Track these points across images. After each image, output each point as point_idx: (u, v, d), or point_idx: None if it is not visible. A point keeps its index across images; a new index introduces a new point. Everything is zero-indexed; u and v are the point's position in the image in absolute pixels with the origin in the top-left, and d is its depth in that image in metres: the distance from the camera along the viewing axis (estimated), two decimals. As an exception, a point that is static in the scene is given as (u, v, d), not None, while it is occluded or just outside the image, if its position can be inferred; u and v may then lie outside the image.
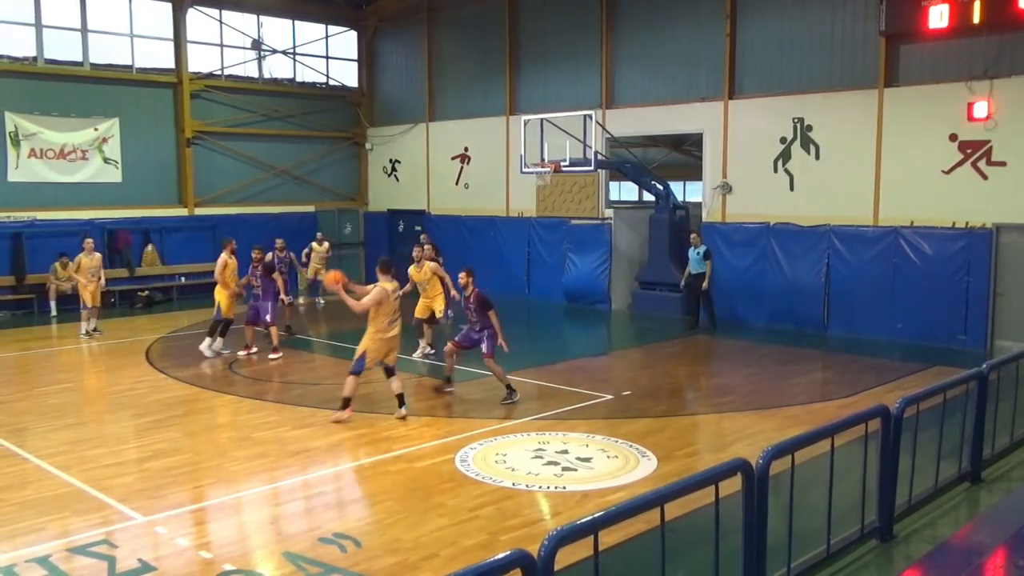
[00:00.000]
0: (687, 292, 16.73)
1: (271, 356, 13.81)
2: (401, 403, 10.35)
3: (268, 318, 13.95)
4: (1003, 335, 14.36)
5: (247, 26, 23.17)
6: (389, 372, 10.49)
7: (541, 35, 20.87)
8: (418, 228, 23.90)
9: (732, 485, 4.74)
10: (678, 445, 9.39)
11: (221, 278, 13.99)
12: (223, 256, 14.16)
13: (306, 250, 19.72)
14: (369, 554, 6.52)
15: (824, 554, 5.59)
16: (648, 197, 20.54)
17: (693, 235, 16.62)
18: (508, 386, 11.24)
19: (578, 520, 3.89)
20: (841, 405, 10.76)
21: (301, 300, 19.90)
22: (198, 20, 22.20)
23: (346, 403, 10.23)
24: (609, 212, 19.83)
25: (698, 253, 16.24)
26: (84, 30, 20.30)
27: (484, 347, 11.23)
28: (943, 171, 14.81)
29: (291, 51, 23.99)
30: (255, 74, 23.52)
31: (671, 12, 18.43)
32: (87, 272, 15.90)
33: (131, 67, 21.09)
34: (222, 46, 22.77)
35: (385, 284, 10.32)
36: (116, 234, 20.49)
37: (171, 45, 21.69)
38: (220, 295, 14.02)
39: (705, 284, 16.11)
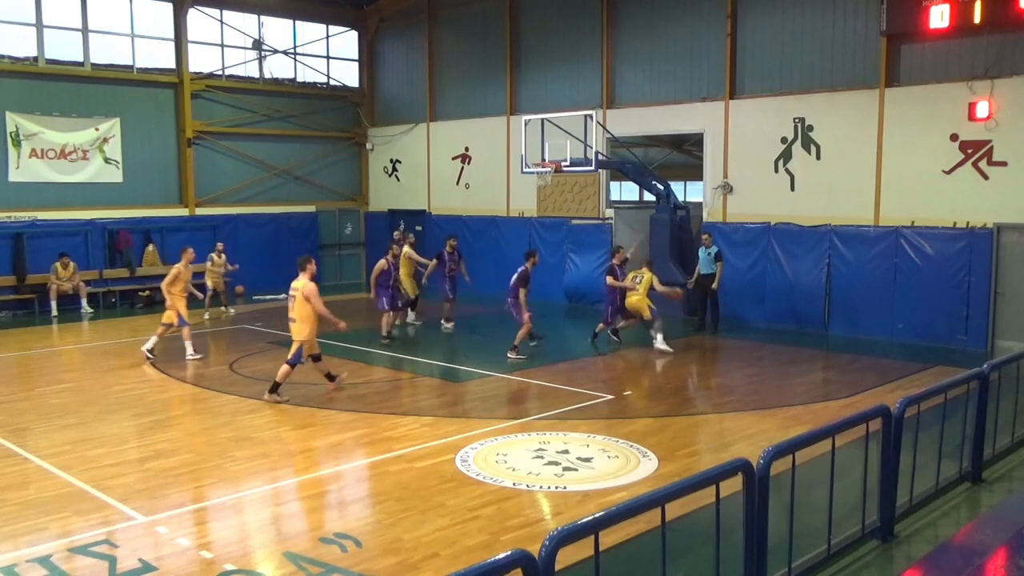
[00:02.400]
0: (696, 292, 16.68)
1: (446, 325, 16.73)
2: (332, 378, 11.71)
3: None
4: (1004, 335, 14.35)
5: (248, 26, 23.18)
6: (317, 359, 11.64)
7: (542, 35, 20.87)
8: (418, 228, 23.93)
9: (733, 485, 4.74)
10: (679, 445, 9.39)
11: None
12: (408, 250, 17.01)
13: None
14: (370, 554, 6.53)
15: (825, 554, 5.59)
16: (649, 197, 20.52)
17: (705, 236, 16.47)
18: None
19: (579, 520, 3.89)
20: (842, 405, 10.77)
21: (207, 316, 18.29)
22: (199, 20, 22.22)
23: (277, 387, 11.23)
24: (610, 212, 19.83)
25: (709, 253, 16.12)
26: (85, 30, 20.31)
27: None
28: (944, 171, 14.80)
29: (292, 51, 24.00)
30: (256, 74, 23.52)
31: (672, 12, 18.43)
32: (186, 281, 14.03)
33: (132, 67, 21.11)
34: (223, 46, 22.77)
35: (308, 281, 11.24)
36: (117, 234, 20.49)
37: (172, 45, 21.70)
38: (406, 280, 16.96)
39: (715, 285, 16.03)
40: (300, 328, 11.16)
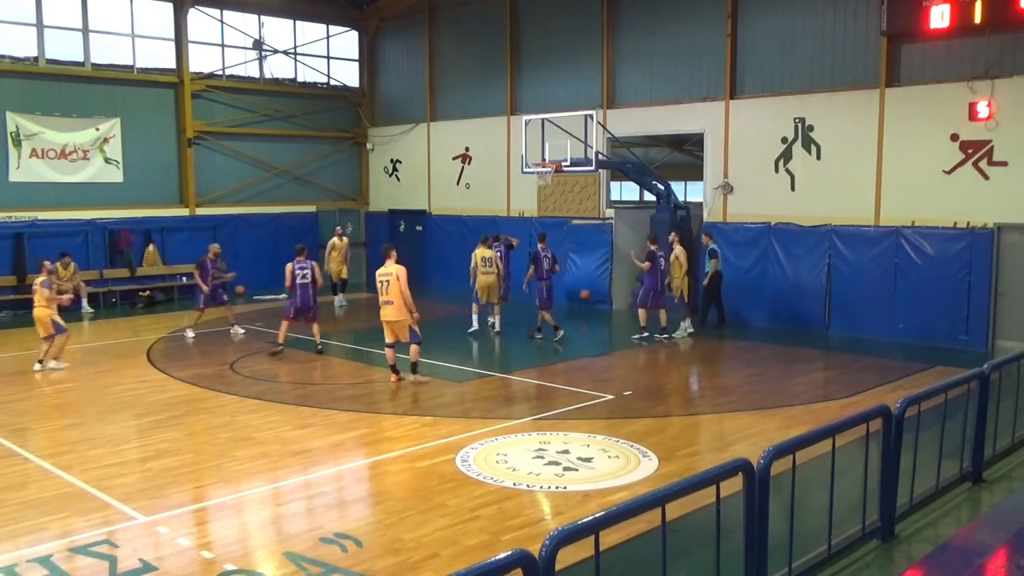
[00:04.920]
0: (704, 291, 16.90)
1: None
2: (414, 370, 12.11)
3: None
4: (1004, 335, 14.35)
5: (248, 26, 23.18)
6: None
7: (542, 35, 20.87)
8: (419, 228, 23.95)
9: (733, 485, 4.73)
10: (679, 445, 9.39)
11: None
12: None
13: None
14: (370, 554, 6.53)
15: (825, 554, 5.58)
16: (649, 197, 20.53)
17: (704, 236, 16.79)
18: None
19: (579, 520, 3.88)
20: (843, 405, 10.77)
21: None
22: (199, 20, 22.22)
23: (415, 367, 12.12)
24: (610, 212, 19.83)
25: (706, 253, 16.45)
26: (85, 30, 20.31)
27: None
28: (944, 171, 14.79)
29: (292, 51, 24.00)
30: (256, 74, 23.53)
31: (672, 12, 18.43)
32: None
33: (132, 67, 21.11)
34: (223, 46, 22.77)
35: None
36: (117, 234, 20.49)
37: (172, 45, 21.71)
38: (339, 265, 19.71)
39: (706, 281, 16.34)
40: (399, 309, 11.81)
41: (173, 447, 9.27)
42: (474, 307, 16.30)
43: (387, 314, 11.94)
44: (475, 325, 16.32)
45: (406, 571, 6.24)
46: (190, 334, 16.06)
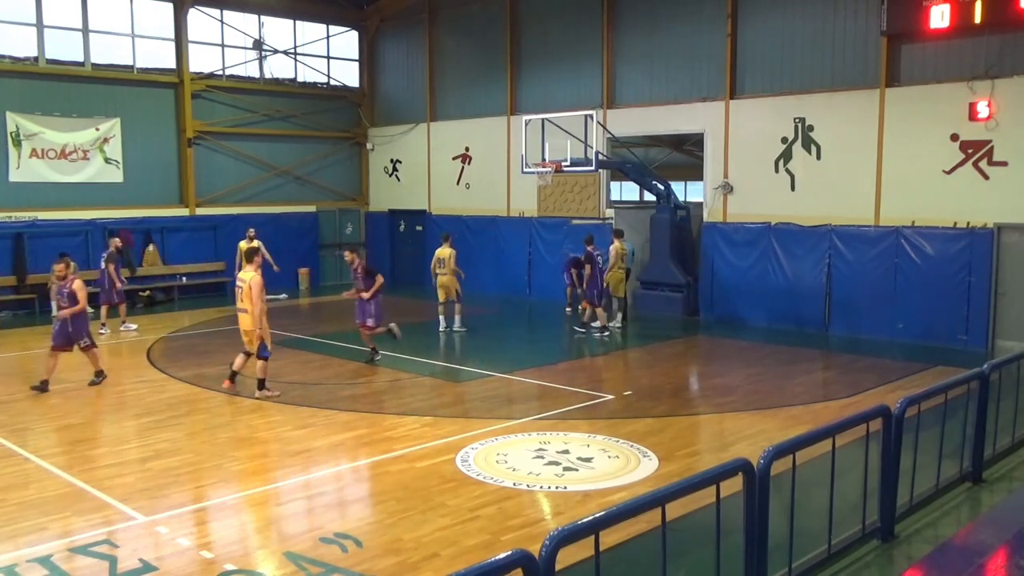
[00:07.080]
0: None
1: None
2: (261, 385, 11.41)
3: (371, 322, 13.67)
4: (1004, 335, 14.35)
5: (248, 26, 23.18)
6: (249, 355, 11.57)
7: (542, 35, 20.87)
8: (419, 228, 23.96)
9: (733, 485, 4.73)
10: (679, 445, 9.39)
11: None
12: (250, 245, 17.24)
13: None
14: (370, 554, 6.53)
15: (825, 554, 5.59)
16: (649, 197, 20.54)
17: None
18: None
19: (579, 520, 3.88)
20: (843, 405, 10.77)
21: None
22: (199, 20, 22.21)
23: (261, 383, 11.38)
24: (610, 212, 19.83)
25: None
26: (85, 30, 20.31)
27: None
28: (944, 171, 14.80)
29: (292, 51, 24.00)
30: (256, 74, 23.52)
31: (672, 12, 18.43)
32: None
33: (132, 67, 21.10)
34: (223, 46, 22.77)
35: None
36: (117, 234, 20.43)
37: (172, 45, 21.70)
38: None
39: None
40: (251, 318, 11.23)
41: (173, 447, 9.27)
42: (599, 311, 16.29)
43: (241, 322, 11.49)
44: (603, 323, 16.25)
45: (406, 571, 6.24)
46: (132, 327, 16.68)
